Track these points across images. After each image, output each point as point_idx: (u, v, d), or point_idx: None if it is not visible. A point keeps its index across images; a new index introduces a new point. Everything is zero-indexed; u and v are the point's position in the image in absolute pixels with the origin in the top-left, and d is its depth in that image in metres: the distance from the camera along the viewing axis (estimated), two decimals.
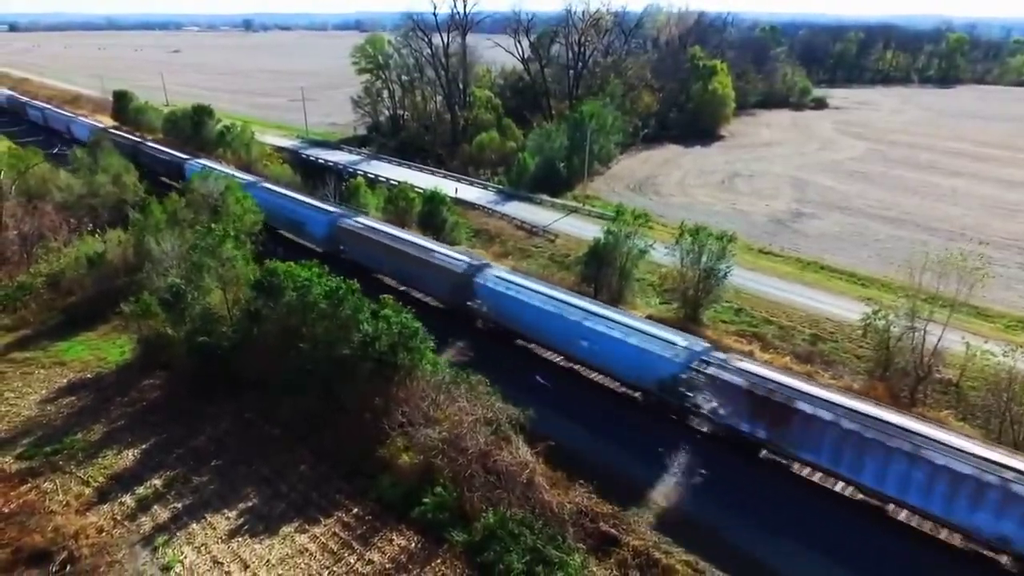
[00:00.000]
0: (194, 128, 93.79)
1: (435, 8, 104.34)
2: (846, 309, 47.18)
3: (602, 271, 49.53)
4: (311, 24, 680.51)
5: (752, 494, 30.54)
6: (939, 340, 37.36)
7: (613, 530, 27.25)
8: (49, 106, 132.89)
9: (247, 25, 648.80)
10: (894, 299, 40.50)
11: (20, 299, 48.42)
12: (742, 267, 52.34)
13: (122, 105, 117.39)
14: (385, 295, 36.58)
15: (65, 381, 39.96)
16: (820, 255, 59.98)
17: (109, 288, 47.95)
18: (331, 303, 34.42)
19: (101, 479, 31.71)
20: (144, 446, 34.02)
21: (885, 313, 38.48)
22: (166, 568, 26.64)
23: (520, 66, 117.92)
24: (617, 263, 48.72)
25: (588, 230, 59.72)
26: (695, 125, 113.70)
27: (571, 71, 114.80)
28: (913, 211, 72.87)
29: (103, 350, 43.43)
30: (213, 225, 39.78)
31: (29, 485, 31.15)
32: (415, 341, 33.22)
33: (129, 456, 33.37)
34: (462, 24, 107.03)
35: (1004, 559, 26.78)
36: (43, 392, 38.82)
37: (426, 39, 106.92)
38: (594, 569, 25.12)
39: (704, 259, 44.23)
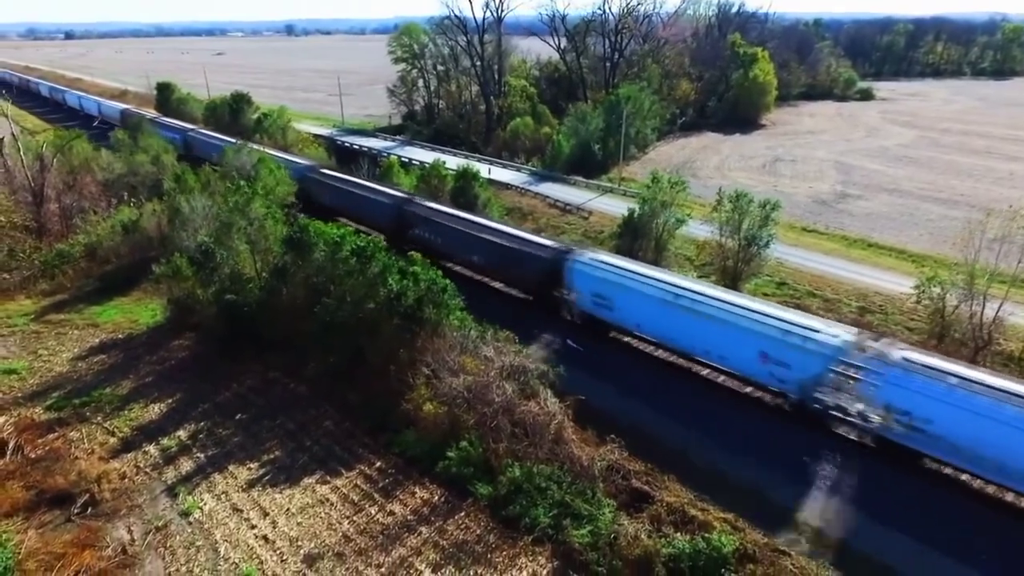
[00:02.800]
0: (232, 115, 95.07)
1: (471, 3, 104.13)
2: (896, 283, 44.71)
3: (637, 243, 47.99)
4: (351, 29, 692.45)
5: (794, 453, 28.79)
6: (999, 308, 34.92)
7: (646, 487, 25.80)
8: (194, 127, 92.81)
9: (289, 30, 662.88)
10: (949, 274, 38.13)
11: (58, 266, 49.17)
12: (785, 243, 50.38)
13: (165, 96, 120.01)
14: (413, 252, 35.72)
15: (97, 341, 40.18)
16: (867, 233, 57.32)
17: (143, 257, 48.34)
18: (360, 259, 33.75)
19: (127, 430, 31.55)
20: (170, 401, 33.81)
21: (940, 280, 36.18)
22: (185, 513, 26.15)
23: (556, 56, 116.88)
24: (652, 234, 47.16)
25: (623, 208, 57.90)
26: (735, 113, 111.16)
27: (607, 63, 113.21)
28: (968, 193, 69.30)
29: (135, 313, 43.67)
30: (242, 183, 39.58)
31: (56, 434, 31.11)
32: (443, 297, 32.33)
33: (155, 410, 33.17)
34: (497, 12, 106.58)
35: None
36: (75, 350, 39.04)
37: (462, 27, 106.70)
38: (625, 523, 23.68)
39: (745, 226, 42.32)
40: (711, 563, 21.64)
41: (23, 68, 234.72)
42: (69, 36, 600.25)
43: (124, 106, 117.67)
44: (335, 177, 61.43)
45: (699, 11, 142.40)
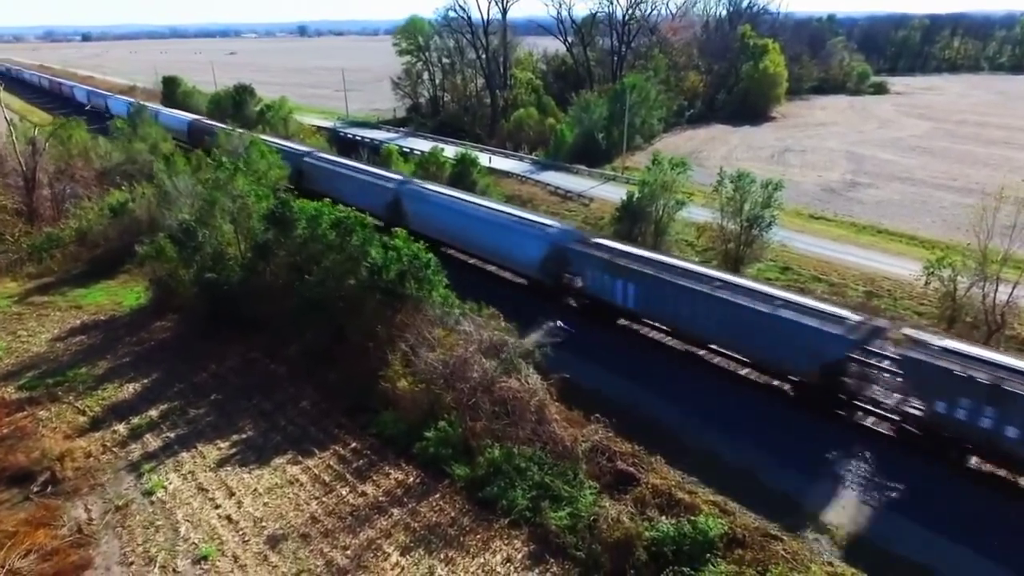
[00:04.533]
0: (235, 107, 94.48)
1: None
2: (905, 268, 42.77)
3: (636, 227, 46.45)
4: (363, 29, 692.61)
5: (794, 437, 27.29)
6: (1013, 289, 33.06)
7: (631, 468, 24.29)
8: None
9: (302, 31, 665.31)
10: (960, 256, 36.28)
11: (47, 250, 48.37)
12: (791, 229, 48.66)
13: (170, 90, 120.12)
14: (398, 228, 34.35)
15: (78, 322, 39.24)
16: (877, 220, 55.39)
17: (132, 241, 47.27)
18: (340, 233, 32.56)
19: (97, 409, 30.49)
20: (145, 381, 32.75)
21: (952, 261, 34.36)
22: (148, 492, 24.96)
23: (563, 49, 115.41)
24: (652, 218, 45.60)
25: (625, 195, 56.47)
26: (744, 106, 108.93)
27: (614, 56, 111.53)
28: (984, 181, 66.86)
29: (120, 295, 42.82)
30: (224, 159, 38.51)
31: (25, 412, 30.12)
32: (426, 272, 31.04)
33: (129, 389, 32.12)
34: (502, 3, 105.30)
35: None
36: (55, 331, 38.13)
37: (467, 18, 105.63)
38: (606, 506, 22.20)
39: (747, 207, 40.68)
40: (696, 547, 20.14)
41: (38, 67, 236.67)
42: (86, 38, 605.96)
43: (192, 116, 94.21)
44: (648, 260, 34.95)
45: (708, 9, 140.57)
